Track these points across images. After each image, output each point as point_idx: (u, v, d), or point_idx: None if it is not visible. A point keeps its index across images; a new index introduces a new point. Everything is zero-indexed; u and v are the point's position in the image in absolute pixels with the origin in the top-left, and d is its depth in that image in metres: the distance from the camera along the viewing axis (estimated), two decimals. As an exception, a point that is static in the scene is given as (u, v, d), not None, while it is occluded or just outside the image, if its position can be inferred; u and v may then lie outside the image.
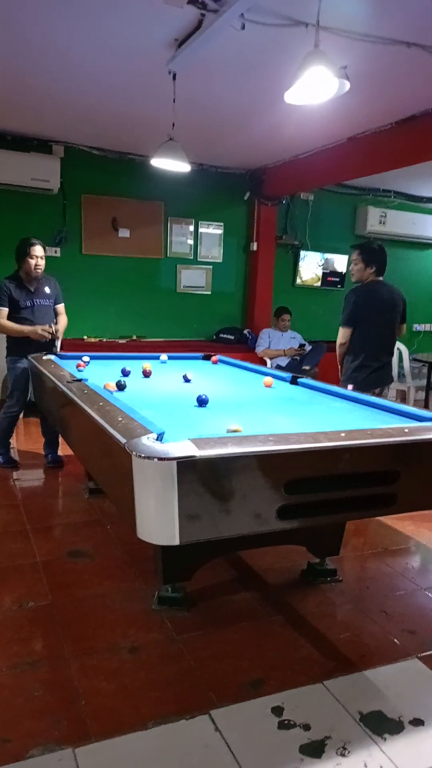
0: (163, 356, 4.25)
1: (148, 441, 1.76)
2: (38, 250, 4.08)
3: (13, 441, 4.64)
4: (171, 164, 4.03)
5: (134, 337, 6.40)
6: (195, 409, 2.59)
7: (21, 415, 5.38)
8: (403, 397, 6.42)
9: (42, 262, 4.11)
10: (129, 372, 3.44)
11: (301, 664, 2.15)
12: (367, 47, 3.25)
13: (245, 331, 6.80)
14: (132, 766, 1.66)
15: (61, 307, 4.34)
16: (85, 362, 3.69)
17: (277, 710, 1.89)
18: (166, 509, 1.64)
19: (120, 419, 2.05)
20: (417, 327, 8.07)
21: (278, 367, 5.71)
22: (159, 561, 2.37)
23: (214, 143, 5.51)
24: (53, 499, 3.92)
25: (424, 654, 2.24)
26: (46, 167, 5.54)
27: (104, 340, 6.23)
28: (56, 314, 4.30)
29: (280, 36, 3.15)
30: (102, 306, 6.33)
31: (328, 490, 1.90)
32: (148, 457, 1.64)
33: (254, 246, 6.88)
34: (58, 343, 4.37)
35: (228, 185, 6.66)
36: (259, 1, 2.76)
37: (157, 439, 1.80)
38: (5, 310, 4.06)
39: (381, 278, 3.90)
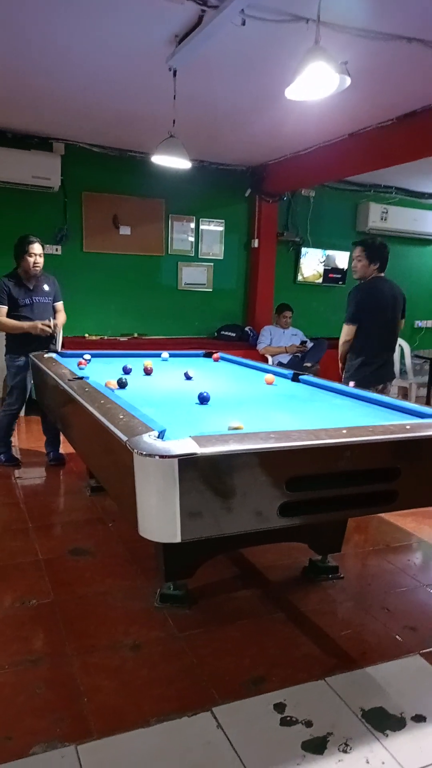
0: (165, 354, 4.25)
1: (149, 439, 1.76)
2: (36, 247, 4.07)
3: (14, 439, 4.65)
4: (172, 161, 4.03)
5: (135, 335, 6.40)
6: (196, 407, 2.58)
7: (23, 414, 5.42)
8: (404, 393, 6.41)
9: (40, 260, 4.11)
10: (130, 370, 3.44)
11: (303, 661, 2.15)
12: (367, 43, 3.24)
13: (246, 329, 6.80)
14: (134, 763, 1.67)
15: (59, 304, 4.34)
16: (86, 360, 3.69)
17: (279, 707, 1.90)
18: (168, 507, 1.64)
19: (121, 417, 2.05)
20: (418, 323, 8.06)
21: (280, 364, 5.70)
22: (160, 558, 2.37)
23: (215, 140, 5.50)
24: (55, 497, 3.92)
25: (426, 650, 2.24)
26: (46, 165, 5.54)
27: (105, 337, 6.23)
28: (55, 312, 4.30)
29: (280, 32, 3.13)
30: (103, 304, 6.33)
31: (330, 487, 1.90)
32: (150, 455, 1.64)
33: (255, 243, 6.87)
34: (59, 341, 4.37)
35: (229, 182, 6.65)
36: (259, -4, 2.75)
37: (158, 437, 1.79)
38: (4, 308, 4.06)
39: (383, 274, 3.90)
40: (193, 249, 6.74)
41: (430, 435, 2.02)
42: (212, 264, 6.86)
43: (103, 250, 6.25)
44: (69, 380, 2.85)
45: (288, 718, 1.85)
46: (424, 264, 7.99)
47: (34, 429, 5.07)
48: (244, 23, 3.02)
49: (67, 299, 4.44)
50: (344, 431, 1.94)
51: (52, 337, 4.24)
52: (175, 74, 3.66)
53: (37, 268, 4.11)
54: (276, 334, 6.35)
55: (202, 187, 6.50)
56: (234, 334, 6.73)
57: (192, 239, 6.70)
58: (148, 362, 3.61)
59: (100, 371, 3.30)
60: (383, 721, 1.85)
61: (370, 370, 3.83)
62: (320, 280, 7.39)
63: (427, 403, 5.83)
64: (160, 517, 1.69)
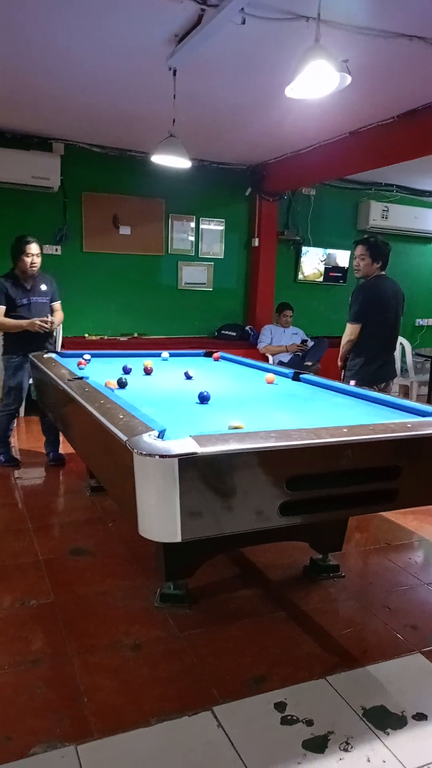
0: (165, 353, 4.24)
1: (149, 438, 1.76)
2: (33, 248, 4.07)
3: (14, 440, 4.65)
4: (171, 161, 4.02)
5: (135, 335, 6.40)
6: (196, 406, 2.58)
7: (22, 414, 5.43)
8: (405, 392, 6.41)
9: (38, 260, 4.10)
10: (130, 369, 3.43)
11: (304, 659, 2.15)
12: (368, 41, 3.23)
13: (247, 328, 6.79)
14: (134, 763, 1.66)
15: (57, 304, 4.34)
16: (86, 360, 3.69)
17: (280, 706, 1.89)
18: (168, 506, 1.63)
19: (121, 417, 2.04)
20: (420, 322, 8.05)
21: (280, 364, 5.69)
22: (161, 558, 2.37)
23: (215, 139, 5.49)
24: (55, 497, 3.92)
25: (427, 649, 2.23)
26: (46, 165, 5.53)
27: (105, 337, 6.23)
28: (52, 311, 4.30)
29: (280, 30, 3.13)
30: (103, 303, 6.33)
31: (331, 485, 1.90)
32: (150, 455, 1.64)
33: (256, 242, 6.87)
34: (59, 341, 4.37)
35: (229, 181, 6.65)
36: (258, -5, 2.75)
37: (158, 437, 1.79)
38: (2, 308, 4.06)
39: (384, 273, 3.90)
40: (194, 248, 6.73)
41: (431, 433, 2.02)
42: (212, 263, 6.86)
43: (103, 250, 6.25)
44: (69, 380, 2.85)
45: (289, 717, 1.84)
46: (424, 262, 7.98)
47: (33, 429, 5.06)
48: (244, 22, 3.01)
49: (67, 299, 4.44)
50: (345, 430, 1.94)
51: (49, 335, 4.24)
52: (174, 74, 3.66)
53: (34, 268, 4.11)
54: (276, 333, 6.34)
55: (202, 187, 6.49)
56: (234, 334, 6.72)
57: (192, 239, 6.69)
58: (148, 362, 3.61)
59: (100, 371, 3.30)
60: (384, 720, 1.84)
61: (372, 369, 3.84)
62: (321, 279, 7.38)
63: (428, 402, 5.82)
64: (160, 517, 1.68)
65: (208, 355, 4.42)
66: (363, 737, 1.77)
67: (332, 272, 7.43)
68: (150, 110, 4.55)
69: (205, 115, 4.70)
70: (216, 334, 6.84)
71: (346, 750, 1.72)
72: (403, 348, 6.23)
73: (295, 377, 3.39)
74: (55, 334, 4.85)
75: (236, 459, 1.70)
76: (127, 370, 3.40)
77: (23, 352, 4.09)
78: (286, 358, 6.15)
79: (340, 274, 7.46)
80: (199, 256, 6.77)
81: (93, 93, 4.30)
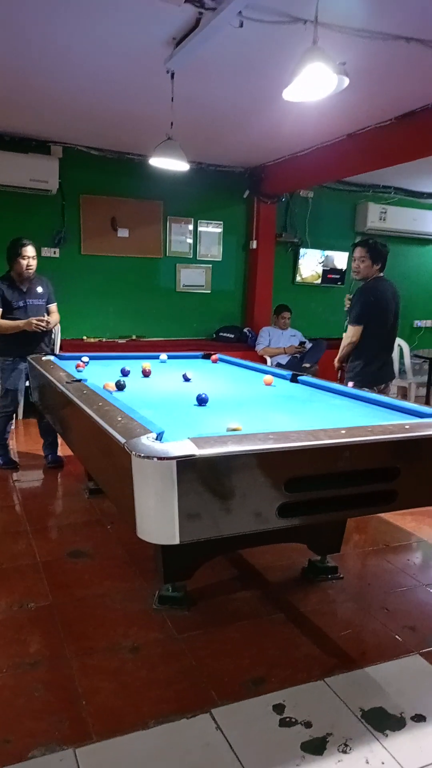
0: (163, 356, 4.24)
1: (147, 440, 1.76)
2: (29, 250, 4.08)
3: (12, 442, 4.65)
4: (170, 163, 4.02)
5: (134, 337, 6.40)
6: (195, 408, 2.58)
7: (20, 417, 5.43)
8: (404, 393, 6.41)
9: (33, 263, 4.11)
10: (128, 372, 3.43)
11: (302, 661, 2.15)
12: (366, 43, 3.23)
13: (245, 330, 6.79)
14: (133, 766, 1.66)
15: (53, 306, 4.35)
16: (84, 362, 3.69)
17: (279, 708, 1.89)
18: (166, 508, 1.63)
19: (119, 419, 2.04)
20: (417, 323, 8.06)
21: (278, 365, 5.70)
22: (159, 560, 2.36)
23: (213, 142, 5.50)
24: (53, 500, 3.92)
25: (426, 650, 2.23)
26: (44, 168, 5.53)
27: (103, 340, 6.22)
28: (48, 313, 4.31)
29: (278, 33, 3.13)
30: (101, 306, 6.33)
31: (329, 487, 1.90)
32: (148, 457, 1.64)
33: (254, 244, 6.87)
34: (57, 344, 4.37)
35: (227, 184, 6.65)
36: (256, -2, 2.75)
37: (156, 439, 1.79)
38: None
39: (382, 275, 3.91)
40: (192, 251, 6.73)
41: (430, 434, 2.02)
42: (210, 266, 6.86)
43: (102, 253, 6.24)
44: (67, 383, 2.85)
45: (287, 719, 1.84)
46: (423, 264, 7.99)
47: (32, 432, 5.06)
48: (241, 25, 3.02)
49: (66, 302, 4.44)
50: (343, 431, 1.94)
51: (46, 336, 4.24)
52: (173, 76, 3.66)
53: (30, 271, 4.12)
54: (275, 335, 6.35)
55: (200, 189, 6.49)
56: (233, 336, 6.73)
57: (190, 241, 6.70)
58: (147, 364, 3.61)
59: (98, 373, 3.30)
60: (383, 721, 1.84)
61: (372, 370, 3.85)
62: (319, 281, 7.38)
63: (427, 403, 5.82)
64: (158, 519, 1.68)
65: (207, 357, 4.42)
66: (362, 739, 1.77)
67: (330, 274, 7.43)
68: (148, 112, 4.56)
69: (204, 117, 4.70)
70: (214, 336, 6.84)
71: (344, 752, 1.72)
72: (401, 349, 6.23)
73: (294, 379, 3.39)
74: (53, 335, 4.85)
75: (234, 461, 1.70)
76: (125, 373, 3.40)
77: (18, 354, 4.10)
78: (284, 359, 6.15)
79: (338, 276, 7.46)
80: (197, 258, 6.77)
81: (92, 94, 4.30)
